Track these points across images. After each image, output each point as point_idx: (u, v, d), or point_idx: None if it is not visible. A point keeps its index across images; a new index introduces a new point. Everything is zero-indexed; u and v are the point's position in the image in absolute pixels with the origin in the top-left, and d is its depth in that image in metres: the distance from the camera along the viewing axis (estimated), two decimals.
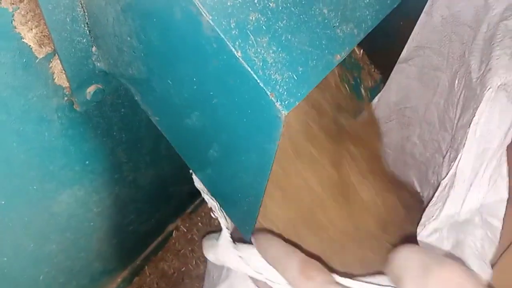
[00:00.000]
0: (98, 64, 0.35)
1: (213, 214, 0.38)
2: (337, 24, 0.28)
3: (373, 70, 0.55)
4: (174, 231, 0.71)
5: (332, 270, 0.32)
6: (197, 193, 0.74)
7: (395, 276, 0.29)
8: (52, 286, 0.51)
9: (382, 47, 0.53)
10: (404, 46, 0.51)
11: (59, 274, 0.50)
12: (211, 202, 0.38)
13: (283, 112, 0.24)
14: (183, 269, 0.69)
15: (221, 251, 0.37)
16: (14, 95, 0.31)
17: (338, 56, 0.27)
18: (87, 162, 0.43)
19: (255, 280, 0.35)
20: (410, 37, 0.49)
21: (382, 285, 0.30)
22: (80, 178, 0.43)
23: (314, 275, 0.31)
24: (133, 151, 0.48)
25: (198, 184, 0.39)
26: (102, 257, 0.56)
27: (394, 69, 0.52)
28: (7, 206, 0.37)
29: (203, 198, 0.77)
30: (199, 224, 0.73)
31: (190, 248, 0.71)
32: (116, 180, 0.48)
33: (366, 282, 0.30)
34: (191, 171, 0.39)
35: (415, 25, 0.49)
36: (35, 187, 0.39)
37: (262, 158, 0.28)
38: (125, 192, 0.52)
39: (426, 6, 0.46)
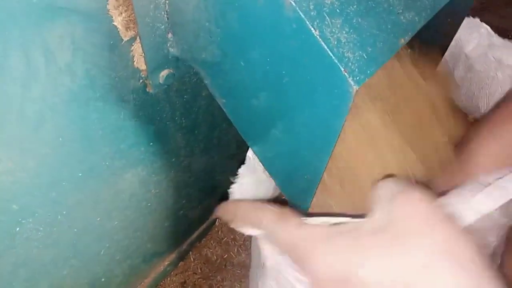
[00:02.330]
0: (171, 49, 0.38)
1: None
2: (401, 11, 0.31)
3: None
4: (217, 220, 0.74)
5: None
6: None
7: (370, 208, 0.31)
8: (110, 263, 0.54)
9: (429, 43, 0.55)
10: (450, 42, 0.53)
11: (117, 251, 0.53)
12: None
13: (355, 87, 0.26)
14: (225, 256, 0.72)
15: None
16: (100, 74, 0.34)
17: (402, 39, 0.30)
18: (151, 144, 0.45)
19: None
20: None
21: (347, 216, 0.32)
22: (143, 159, 0.46)
23: (292, 216, 0.34)
24: (190, 136, 0.51)
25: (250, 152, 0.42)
26: (154, 239, 0.59)
27: None
28: (83, 180, 0.40)
29: None
30: None
31: (232, 237, 0.73)
32: (173, 164, 0.51)
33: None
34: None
35: (461, 23, 0.51)
36: (107, 163, 0.42)
37: (327, 134, 0.30)
38: (179, 177, 0.54)
39: None
